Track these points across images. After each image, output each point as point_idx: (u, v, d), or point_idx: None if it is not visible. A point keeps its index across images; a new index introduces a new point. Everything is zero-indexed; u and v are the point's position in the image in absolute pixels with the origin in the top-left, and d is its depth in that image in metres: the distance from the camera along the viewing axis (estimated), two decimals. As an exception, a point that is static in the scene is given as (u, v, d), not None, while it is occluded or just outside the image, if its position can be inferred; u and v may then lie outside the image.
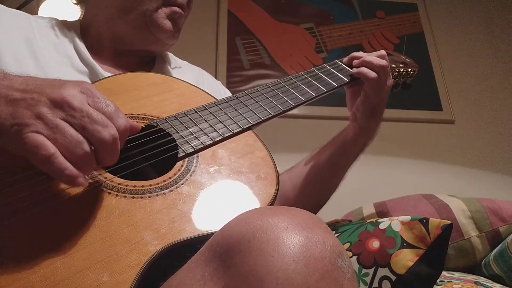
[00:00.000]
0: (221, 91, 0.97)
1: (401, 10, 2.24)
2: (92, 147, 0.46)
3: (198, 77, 0.95)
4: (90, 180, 0.52)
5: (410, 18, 2.23)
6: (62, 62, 0.74)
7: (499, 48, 2.26)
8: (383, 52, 0.85)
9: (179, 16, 0.82)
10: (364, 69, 0.81)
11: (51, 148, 0.42)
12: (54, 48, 0.76)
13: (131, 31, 0.81)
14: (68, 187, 0.50)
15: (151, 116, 0.65)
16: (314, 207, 0.89)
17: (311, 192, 0.88)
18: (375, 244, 0.75)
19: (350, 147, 0.87)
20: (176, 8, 0.81)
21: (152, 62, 0.89)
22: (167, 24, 0.80)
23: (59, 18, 0.84)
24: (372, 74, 0.80)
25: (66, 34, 0.80)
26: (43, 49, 0.73)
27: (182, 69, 0.94)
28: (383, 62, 0.81)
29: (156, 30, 0.80)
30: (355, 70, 0.83)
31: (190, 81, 0.77)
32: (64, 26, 0.82)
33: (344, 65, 0.87)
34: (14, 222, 0.45)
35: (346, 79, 0.83)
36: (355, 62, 0.84)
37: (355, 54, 0.86)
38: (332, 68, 0.86)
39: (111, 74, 0.76)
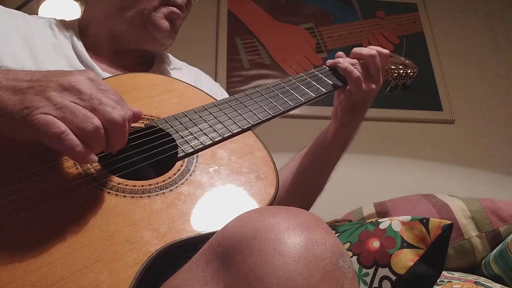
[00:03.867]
0: (218, 93, 0.97)
1: (401, 10, 2.24)
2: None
3: (196, 78, 0.95)
4: (90, 179, 0.51)
5: (410, 18, 2.23)
6: (60, 62, 0.74)
7: (499, 48, 2.26)
8: (374, 49, 0.84)
9: (177, 16, 0.82)
10: (349, 67, 0.81)
11: (62, 125, 0.43)
12: (52, 48, 0.76)
13: (129, 30, 0.81)
14: (67, 186, 0.50)
15: (151, 117, 0.65)
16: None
17: (294, 195, 0.88)
18: (375, 244, 0.75)
19: (329, 145, 0.87)
20: (175, 9, 0.81)
21: (151, 62, 0.89)
22: (165, 23, 0.80)
23: (57, 18, 0.84)
24: (355, 73, 0.80)
25: (64, 34, 0.80)
26: (41, 49, 0.74)
27: (180, 70, 0.94)
28: (371, 53, 0.82)
29: (153, 29, 0.80)
30: (341, 66, 0.82)
31: (188, 82, 0.77)
32: (62, 25, 0.82)
33: None
34: (13, 221, 0.45)
35: (345, 80, 0.83)
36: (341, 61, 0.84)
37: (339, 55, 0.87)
38: (331, 69, 0.86)
39: (109, 74, 0.76)
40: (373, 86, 0.82)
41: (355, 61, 0.83)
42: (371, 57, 0.82)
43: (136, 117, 0.54)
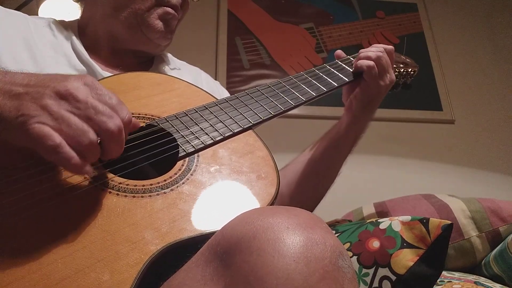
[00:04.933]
0: (219, 91, 0.97)
1: (401, 10, 2.24)
2: (98, 138, 0.46)
3: (196, 77, 0.95)
4: (91, 179, 0.52)
5: (410, 18, 2.23)
6: (60, 62, 0.74)
7: (499, 48, 2.26)
8: (381, 46, 0.87)
9: (172, 17, 0.82)
10: (362, 61, 0.83)
11: (57, 138, 0.43)
12: (52, 48, 0.76)
13: (124, 30, 0.80)
14: (68, 186, 0.50)
15: (152, 116, 0.65)
16: (309, 204, 0.89)
17: (305, 188, 0.88)
18: (375, 244, 0.75)
19: (342, 138, 0.88)
20: (169, 9, 0.81)
21: (150, 62, 0.89)
22: (158, 24, 0.80)
23: (57, 18, 0.84)
24: (370, 62, 0.81)
25: (64, 34, 0.80)
26: (41, 49, 0.74)
27: (180, 70, 0.93)
28: (379, 53, 0.83)
29: (147, 30, 0.80)
30: (356, 65, 0.84)
31: (189, 81, 0.77)
32: (62, 25, 0.82)
33: (344, 65, 0.87)
34: (15, 221, 0.45)
35: (346, 78, 0.83)
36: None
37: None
38: (332, 68, 0.86)
39: (109, 74, 0.76)
40: (387, 81, 0.84)
41: (371, 50, 0.85)
42: (378, 58, 0.83)
43: (135, 125, 0.53)
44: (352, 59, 0.88)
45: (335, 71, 0.85)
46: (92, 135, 0.45)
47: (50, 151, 0.43)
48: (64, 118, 0.44)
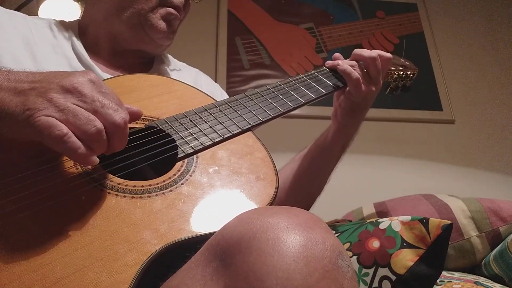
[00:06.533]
0: (218, 93, 0.97)
1: (401, 10, 2.24)
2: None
3: (196, 79, 0.95)
4: (90, 180, 0.52)
5: (410, 18, 2.23)
6: (60, 63, 0.74)
7: (499, 48, 2.26)
8: (375, 51, 0.84)
9: (175, 17, 0.82)
10: (348, 69, 0.81)
11: (64, 128, 0.44)
12: (52, 49, 0.76)
13: (126, 30, 0.81)
14: (67, 187, 0.50)
15: (151, 117, 0.65)
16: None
17: (294, 194, 0.88)
18: (375, 244, 0.75)
19: (329, 146, 0.87)
20: (172, 10, 0.81)
21: (150, 63, 0.89)
22: (162, 24, 0.80)
23: (57, 19, 0.84)
24: (355, 75, 0.80)
25: (64, 35, 0.80)
26: (41, 50, 0.74)
27: (180, 71, 0.94)
28: (372, 56, 0.81)
29: (150, 30, 0.80)
30: (340, 68, 0.82)
31: (188, 83, 0.77)
32: (62, 26, 0.82)
33: None
34: (14, 220, 0.45)
35: (342, 83, 0.83)
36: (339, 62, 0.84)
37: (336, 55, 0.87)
38: (331, 71, 0.86)
39: (109, 75, 0.76)
40: (373, 88, 0.82)
41: (354, 62, 0.83)
42: (371, 59, 0.81)
43: (136, 116, 0.54)
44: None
45: (333, 74, 0.85)
46: (98, 123, 0.46)
47: (57, 141, 0.43)
48: (70, 109, 0.45)
